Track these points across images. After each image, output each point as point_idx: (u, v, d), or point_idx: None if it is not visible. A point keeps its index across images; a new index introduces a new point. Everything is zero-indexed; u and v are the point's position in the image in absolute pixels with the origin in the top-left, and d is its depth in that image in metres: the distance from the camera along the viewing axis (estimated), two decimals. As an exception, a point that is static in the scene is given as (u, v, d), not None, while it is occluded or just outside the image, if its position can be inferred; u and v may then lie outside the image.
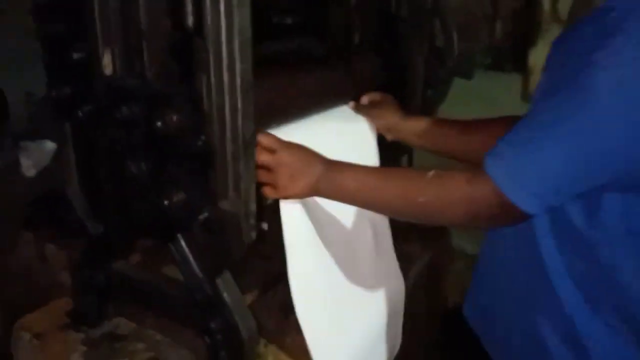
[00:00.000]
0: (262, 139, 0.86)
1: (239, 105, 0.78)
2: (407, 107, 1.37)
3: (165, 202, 0.81)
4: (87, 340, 1.02)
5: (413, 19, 1.32)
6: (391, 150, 1.27)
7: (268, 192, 0.89)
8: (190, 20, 0.77)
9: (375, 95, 1.19)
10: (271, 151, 0.87)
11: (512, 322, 0.93)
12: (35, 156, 1.57)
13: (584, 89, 0.67)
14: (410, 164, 1.51)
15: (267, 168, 0.87)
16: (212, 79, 0.77)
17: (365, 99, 1.18)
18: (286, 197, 0.90)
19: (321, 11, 1.33)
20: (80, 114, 0.87)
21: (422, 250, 1.45)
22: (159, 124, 0.77)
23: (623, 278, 0.77)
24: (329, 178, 0.87)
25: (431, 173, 0.81)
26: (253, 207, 0.85)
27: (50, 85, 0.87)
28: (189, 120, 0.79)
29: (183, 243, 0.92)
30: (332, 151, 0.95)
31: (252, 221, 0.86)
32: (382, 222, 1.20)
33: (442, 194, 0.80)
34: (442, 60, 1.34)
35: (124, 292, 1.03)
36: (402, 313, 1.25)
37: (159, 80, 0.82)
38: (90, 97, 0.87)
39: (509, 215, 0.74)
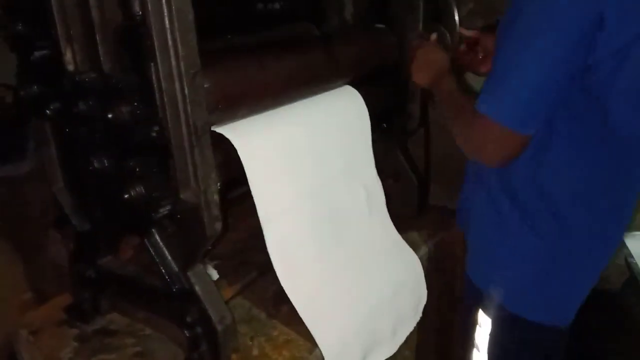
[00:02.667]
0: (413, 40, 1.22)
1: (186, 92, 0.76)
2: (404, 88, 1.31)
3: (126, 196, 0.81)
4: (80, 336, 1.04)
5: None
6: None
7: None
8: (136, 9, 0.76)
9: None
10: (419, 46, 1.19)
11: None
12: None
13: (527, 15, 0.81)
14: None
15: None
16: (160, 67, 0.75)
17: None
18: (414, 81, 1.20)
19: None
20: (48, 112, 0.88)
21: (427, 237, 1.39)
22: (110, 115, 0.77)
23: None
24: (436, 83, 1.11)
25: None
26: (214, 196, 0.82)
27: (18, 85, 0.89)
28: (142, 110, 0.78)
29: (157, 237, 0.92)
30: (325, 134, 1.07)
31: (216, 212, 0.83)
32: (374, 184, 1.20)
33: (461, 130, 0.95)
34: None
35: (111, 286, 1.04)
36: (417, 269, 1.24)
37: (114, 73, 0.81)
38: (58, 95, 0.88)
39: (512, 143, 0.86)
